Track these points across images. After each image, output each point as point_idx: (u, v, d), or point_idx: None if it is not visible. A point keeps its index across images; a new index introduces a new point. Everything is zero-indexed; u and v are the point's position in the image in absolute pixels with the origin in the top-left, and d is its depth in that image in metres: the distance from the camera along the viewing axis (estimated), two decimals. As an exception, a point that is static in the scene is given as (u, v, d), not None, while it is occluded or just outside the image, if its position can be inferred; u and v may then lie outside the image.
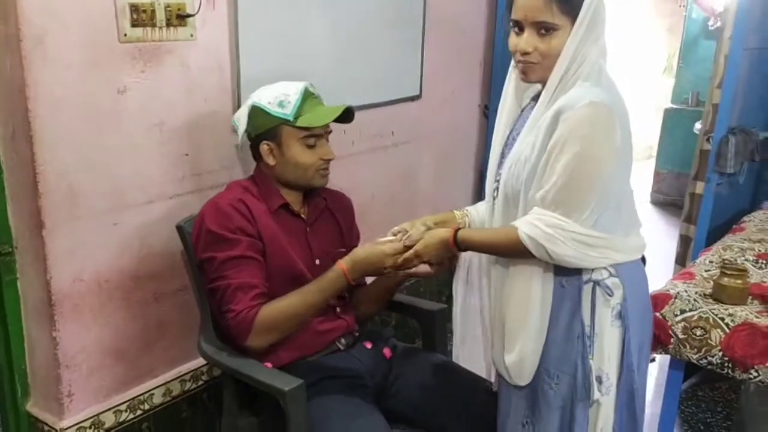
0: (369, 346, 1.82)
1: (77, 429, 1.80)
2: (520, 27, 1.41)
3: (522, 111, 1.56)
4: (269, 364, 1.67)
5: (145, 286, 1.89)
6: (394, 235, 1.64)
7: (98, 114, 1.68)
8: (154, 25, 1.73)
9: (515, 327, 1.48)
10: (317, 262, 1.77)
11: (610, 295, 1.42)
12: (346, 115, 1.75)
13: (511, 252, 1.46)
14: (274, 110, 1.67)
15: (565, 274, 1.43)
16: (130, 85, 1.73)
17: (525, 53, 1.40)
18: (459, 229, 1.55)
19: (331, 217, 1.85)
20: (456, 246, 1.52)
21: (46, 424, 1.80)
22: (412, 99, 2.75)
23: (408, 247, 1.57)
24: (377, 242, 1.62)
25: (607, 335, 1.44)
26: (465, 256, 1.67)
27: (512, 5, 1.43)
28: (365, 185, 2.60)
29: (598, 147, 1.33)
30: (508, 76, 1.57)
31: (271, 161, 1.72)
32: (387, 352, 1.82)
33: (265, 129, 1.69)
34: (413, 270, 1.66)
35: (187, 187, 1.93)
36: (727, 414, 2.68)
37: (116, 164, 1.75)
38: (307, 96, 1.70)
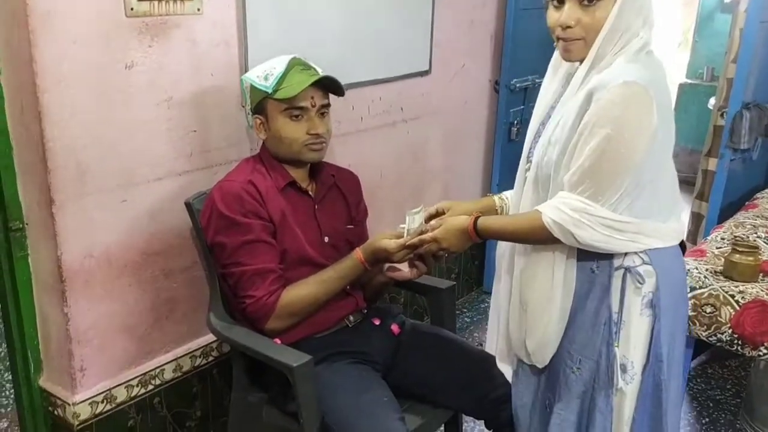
0: (377, 322, 1.82)
1: (90, 403, 1.82)
2: (559, 0, 1.33)
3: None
4: (278, 341, 1.68)
5: (155, 262, 1.90)
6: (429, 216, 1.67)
7: (106, 89, 1.68)
8: (160, -1, 1.72)
9: (537, 312, 1.45)
10: (326, 239, 1.77)
11: (641, 283, 1.37)
12: (333, 87, 1.71)
13: (535, 239, 1.41)
14: (260, 83, 1.66)
15: (597, 258, 1.38)
16: (137, 60, 1.72)
17: (567, 27, 1.31)
18: (479, 216, 1.50)
19: (339, 194, 1.85)
20: (477, 235, 1.48)
21: (59, 399, 1.82)
22: (422, 74, 2.72)
23: (413, 246, 1.58)
24: (384, 236, 1.64)
25: (635, 324, 1.40)
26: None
27: None
28: (374, 162, 2.59)
29: (631, 129, 1.27)
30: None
31: (262, 135, 1.72)
32: (395, 328, 1.83)
33: (256, 103, 1.69)
34: (396, 274, 1.74)
35: (195, 163, 1.93)
36: (737, 391, 2.68)
37: (125, 140, 1.75)
38: (292, 67, 1.66)
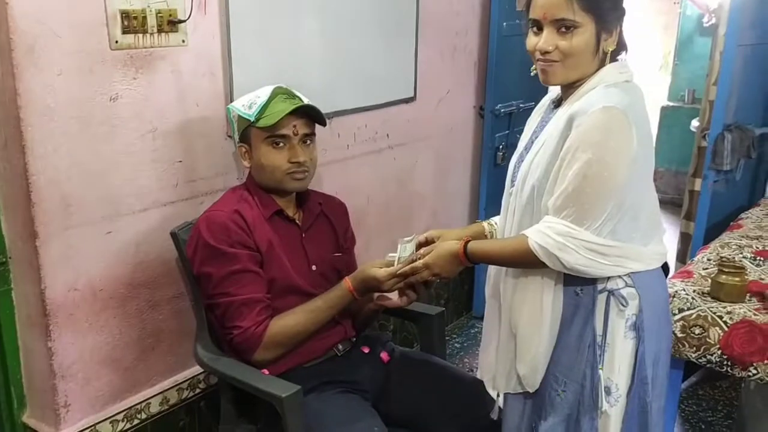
0: (366, 350, 1.81)
1: (74, 439, 1.79)
2: (539, 26, 1.37)
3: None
4: (266, 371, 1.66)
5: (141, 293, 1.88)
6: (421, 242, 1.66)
7: (91, 122, 1.67)
8: (145, 32, 1.72)
9: (527, 336, 1.45)
10: (313, 268, 1.76)
11: (624, 306, 1.38)
12: (315, 115, 1.71)
13: (523, 263, 1.42)
14: (244, 112, 1.67)
15: (581, 283, 1.39)
16: (122, 92, 1.72)
17: (545, 52, 1.35)
18: (469, 240, 1.51)
19: (326, 222, 1.84)
20: (467, 259, 1.49)
21: (43, 435, 1.79)
22: (407, 101, 2.74)
23: (403, 274, 1.58)
24: (373, 265, 1.63)
25: (620, 346, 1.40)
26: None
27: (530, 4, 1.39)
28: (361, 189, 2.59)
29: (612, 154, 1.29)
30: None
31: (246, 164, 1.73)
32: (384, 356, 1.82)
33: (241, 132, 1.69)
34: (387, 302, 1.73)
35: (181, 194, 1.92)
36: (728, 412, 2.67)
37: (110, 172, 1.74)
38: (275, 96, 1.66)
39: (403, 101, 2.72)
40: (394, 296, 1.70)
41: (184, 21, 1.80)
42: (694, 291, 2.00)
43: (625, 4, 1.42)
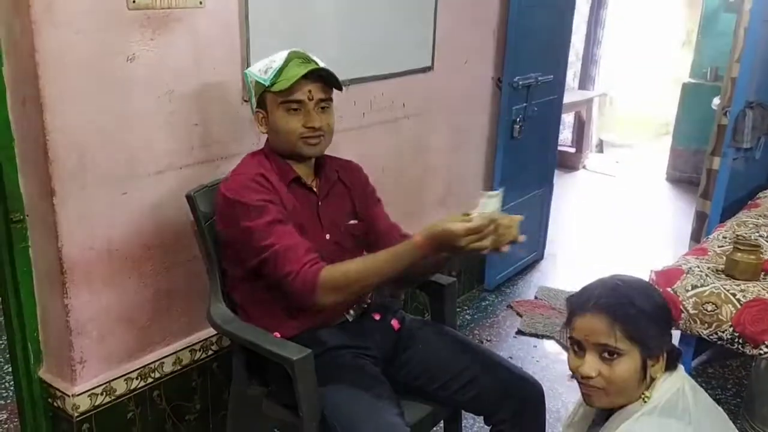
0: (377, 317, 1.82)
1: (89, 395, 1.82)
2: (579, 346, 1.27)
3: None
4: (278, 334, 1.68)
5: (155, 255, 1.90)
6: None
7: (108, 81, 1.68)
8: (162, -8, 1.72)
9: None
10: (327, 236, 1.75)
11: None
12: (330, 80, 1.68)
13: None
14: (260, 77, 1.66)
15: None
16: (139, 53, 1.72)
17: (587, 377, 1.26)
18: None
19: (343, 189, 1.83)
20: None
21: (59, 390, 1.82)
22: (424, 70, 2.71)
23: (482, 230, 1.40)
24: (450, 219, 1.46)
25: None
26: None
27: (570, 321, 1.29)
28: (375, 158, 2.58)
29: None
30: None
31: (263, 129, 1.72)
32: (395, 323, 1.82)
33: (257, 97, 1.68)
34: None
35: (197, 157, 1.93)
36: (738, 391, 2.67)
37: (126, 133, 1.75)
38: (290, 60, 1.64)
39: (420, 71, 2.69)
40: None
41: (202, -18, 1.78)
42: (708, 268, 1.99)
43: (670, 328, 1.34)
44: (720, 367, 2.84)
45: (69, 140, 1.63)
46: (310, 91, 1.65)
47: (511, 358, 2.81)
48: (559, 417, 2.40)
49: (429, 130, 2.86)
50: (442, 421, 1.95)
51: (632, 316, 1.22)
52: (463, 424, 2.03)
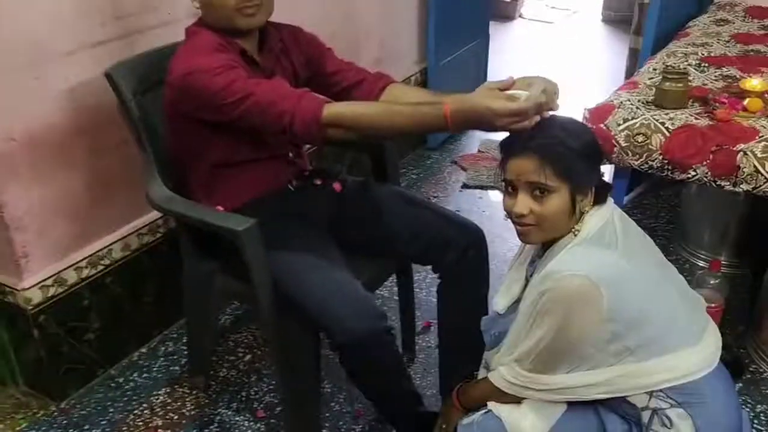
0: (319, 182, 1.82)
1: (40, 288, 1.82)
2: (513, 187, 1.29)
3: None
4: (221, 208, 1.67)
5: (82, 141, 1.83)
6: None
7: (-6, -44, 1.54)
8: None
9: None
10: None
11: (669, 427, 1.28)
12: None
13: None
14: None
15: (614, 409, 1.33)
16: None
17: (520, 215, 1.29)
18: None
19: (287, 60, 1.74)
20: None
21: (7, 287, 1.82)
22: None
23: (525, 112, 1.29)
24: (492, 94, 1.34)
25: None
26: None
27: (503, 164, 1.31)
28: (304, 22, 2.45)
29: (576, 324, 1.23)
30: None
31: (195, 5, 1.60)
32: (337, 186, 1.83)
33: None
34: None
35: (110, 33, 1.82)
36: (670, 218, 2.83)
37: (28, 13, 1.62)
38: None
39: None
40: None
41: None
42: (638, 101, 2.02)
43: (599, 164, 1.34)
44: (654, 197, 2.98)
45: (-36, 26, 1.51)
46: None
47: (458, 210, 2.87)
48: (506, 260, 2.51)
49: (356, -14, 2.74)
50: (394, 276, 2.02)
51: (561, 155, 1.26)
52: (414, 277, 2.12)
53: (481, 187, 3.16)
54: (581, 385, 1.29)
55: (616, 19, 5.64)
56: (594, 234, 1.30)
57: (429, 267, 1.87)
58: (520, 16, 6.01)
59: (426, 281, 2.44)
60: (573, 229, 1.31)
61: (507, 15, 5.88)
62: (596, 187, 1.32)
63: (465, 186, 3.18)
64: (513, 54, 4.99)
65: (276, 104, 1.48)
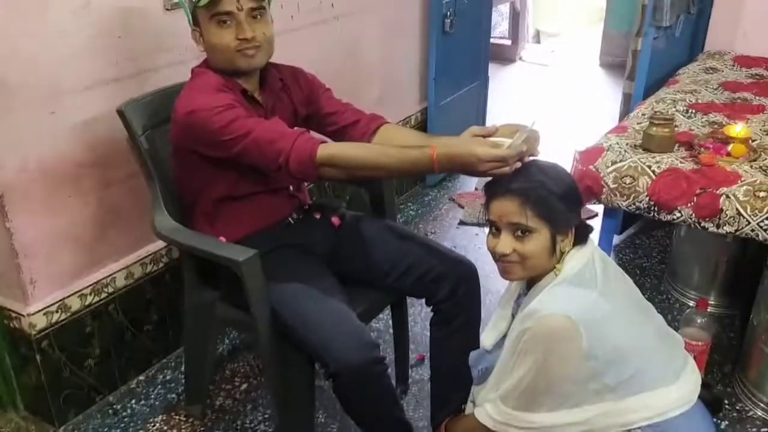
0: (318, 216, 1.89)
1: (44, 314, 1.87)
2: (496, 227, 1.38)
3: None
4: (223, 239, 1.73)
5: (93, 173, 1.91)
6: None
7: (20, 1, 1.63)
8: None
9: None
10: None
11: None
12: None
13: None
14: None
15: None
16: (47, -33, 1.67)
17: (503, 255, 1.37)
18: None
19: (287, 99, 1.82)
20: None
21: (13, 312, 1.87)
22: (350, -32, 2.68)
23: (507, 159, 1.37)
24: (477, 141, 1.45)
25: None
26: None
27: (488, 206, 1.40)
28: (307, 62, 2.53)
29: (556, 362, 1.29)
30: None
31: (201, 48, 1.69)
32: (335, 220, 1.90)
33: (191, 15, 1.66)
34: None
35: (123, 71, 1.91)
36: (662, 258, 2.88)
37: (45, 52, 1.71)
38: None
39: (345, -32, 2.65)
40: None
41: None
42: (627, 144, 2.10)
43: (578, 206, 1.42)
44: (646, 237, 3.05)
45: (-12, 64, 1.60)
46: (238, 1, 1.60)
47: (454, 247, 2.94)
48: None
49: (360, 30, 2.85)
50: (389, 308, 2.07)
51: (541, 197, 1.33)
52: (409, 310, 2.17)
53: (478, 225, 3.22)
54: (562, 424, 1.34)
55: (614, 63, 5.77)
56: (574, 274, 1.36)
57: (423, 300, 1.92)
58: (520, 59, 6.15)
59: (421, 315, 2.49)
60: (555, 269, 1.37)
61: (507, 57, 6.04)
62: (576, 228, 1.39)
63: (462, 223, 3.25)
64: (512, 95, 5.12)
65: (273, 143, 1.55)
